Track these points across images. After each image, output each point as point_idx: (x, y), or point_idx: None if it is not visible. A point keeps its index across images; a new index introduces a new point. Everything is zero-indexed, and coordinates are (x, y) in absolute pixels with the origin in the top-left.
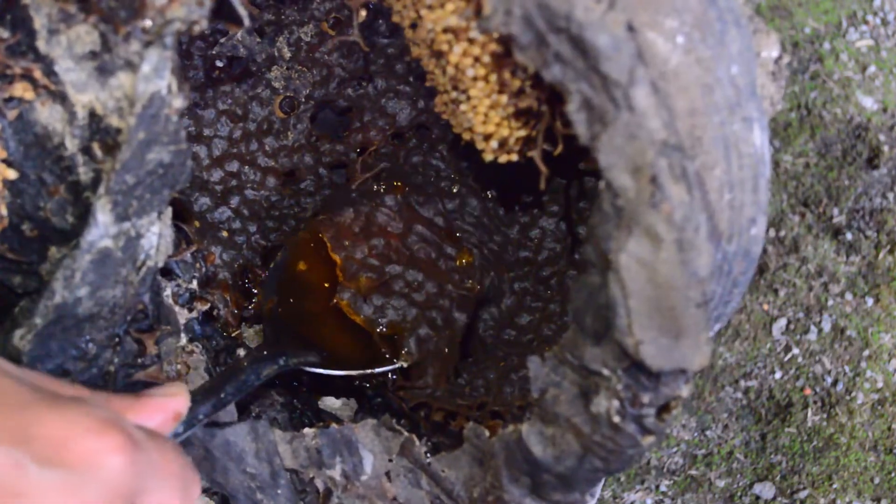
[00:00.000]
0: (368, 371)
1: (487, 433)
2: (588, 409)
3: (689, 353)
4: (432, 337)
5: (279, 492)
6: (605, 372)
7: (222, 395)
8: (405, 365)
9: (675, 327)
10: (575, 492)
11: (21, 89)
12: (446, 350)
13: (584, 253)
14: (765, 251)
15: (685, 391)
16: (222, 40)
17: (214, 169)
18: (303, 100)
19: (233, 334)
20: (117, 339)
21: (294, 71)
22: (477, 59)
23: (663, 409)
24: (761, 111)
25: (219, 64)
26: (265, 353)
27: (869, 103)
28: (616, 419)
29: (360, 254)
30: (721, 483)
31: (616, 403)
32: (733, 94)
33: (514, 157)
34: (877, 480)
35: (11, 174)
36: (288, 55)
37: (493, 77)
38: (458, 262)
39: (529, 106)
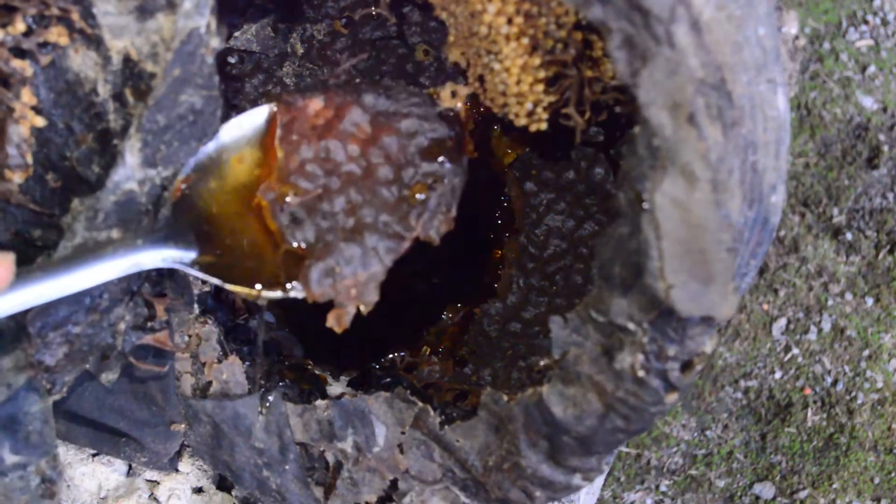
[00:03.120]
0: (255, 292)
1: (506, 398)
2: (611, 367)
3: (717, 300)
4: (337, 273)
5: (287, 468)
6: (631, 326)
7: (66, 277)
8: (297, 297)
9: (706, 272)
10: (592, 457)
11: (56, 34)
12: (353, 292)
13: (615, 202)
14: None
15: (709, 346)
16: (236, 34)
17: None
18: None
19: (238, 319)
20: (130, 296)
21: (305, 68)
22: (510, 20)
23: (687, 365)
24: (784, 77)
25: (231, 60)
26: (140, 240)
27: (869, 103)
28: (641, 373)
29: (307, 154)
30: (721, 483)
31: (641, 357)
32: (760, 55)
33: (544, 126)
34: (877, 480)
35: (40, 122)
36: (300, 52)
37: (526, 39)
38: (410, 195)
39: (564, 61)
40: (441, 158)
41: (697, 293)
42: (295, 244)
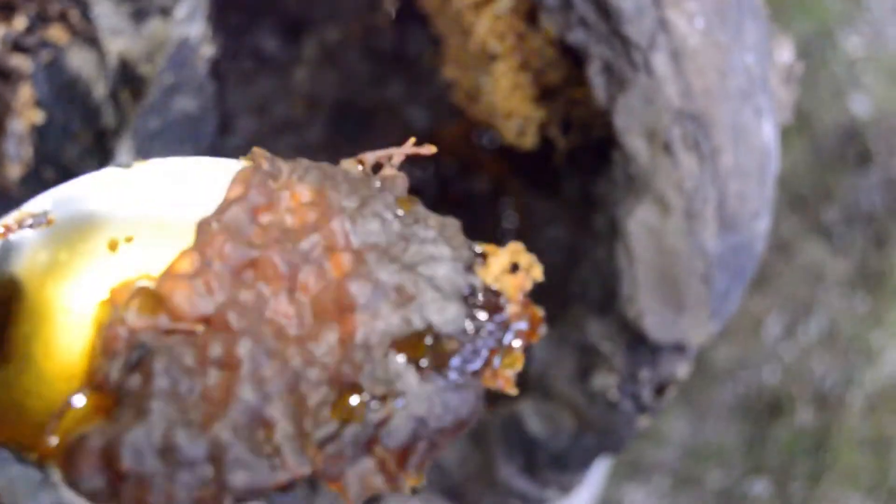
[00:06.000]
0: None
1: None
2: (586, 387)
3: (689, 327)
4: (122, 466)
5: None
6: (606, 348)
7: None
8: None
9: (678, 300)
10: (567, 472)
11: (56, 33)
12: None
13: (593, 224)
14: None
15: (683, 371)
16: (248, 35)
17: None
18: (324, 100)
19: None
20: None
21: (318, 73)
22: (501, 37)
23: (660, 389)
24: (772, 105)
25: (242, 61)
26: None
27: (859, 104)
28: (613, 395)
29: (231, 258)
30: (714, 480)
31: (614, 380)
32: (746, 83)
33: (531, 145)
34: (869, 478)
35: (39, 118)
36: (313, 56)
37: (517, 58)
38: (340, 402)
39: (550, 83)
40: (419, 364)
41: (670, 320)
42: (102, 381)
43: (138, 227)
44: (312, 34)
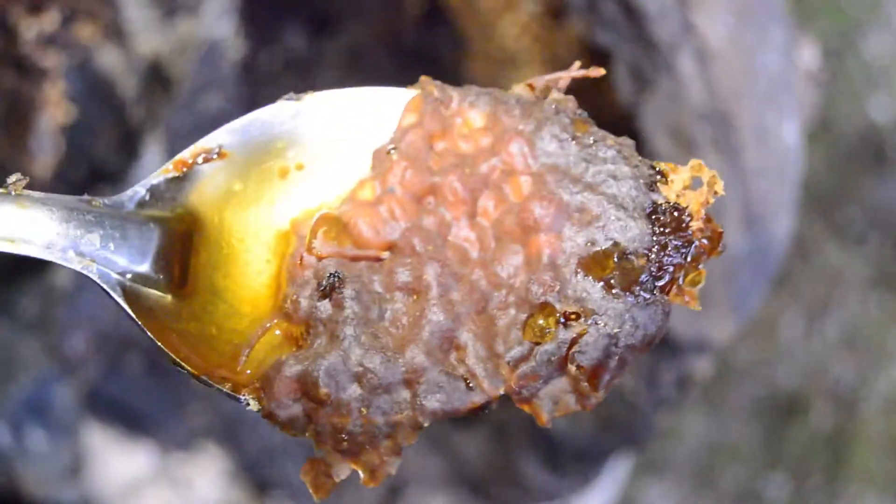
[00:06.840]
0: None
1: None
2: None
3: (711, 325)
4: (326, 397)
5: (296, 458)
6: None
7: None
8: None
9: (701, 297)
10: (587, 465)
11: (86, 31)
12: (345, 444)
13: None
14: None
15: (705, 368)
16: (273, 35)
17: None
18: None
19: None
20: None
21: (343, 69)
22: (525, 38)
23: (681, 386)
24: (796, 107)
25: (265, 60)
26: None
27: (880, 105)
28: (635, 391)
29: (411, 186)
30: (732, 478)
31: (635, 377)
32: (770, 84)
33: None
34: (886, 478)
35: (69, 113)
36: (338, 56)
37: (542, 58)
38: (530, 323)
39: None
40: (607, 282)
41: (691, 318)
42: (292, 310)
43: (308, 155)
44: (338, 34)
